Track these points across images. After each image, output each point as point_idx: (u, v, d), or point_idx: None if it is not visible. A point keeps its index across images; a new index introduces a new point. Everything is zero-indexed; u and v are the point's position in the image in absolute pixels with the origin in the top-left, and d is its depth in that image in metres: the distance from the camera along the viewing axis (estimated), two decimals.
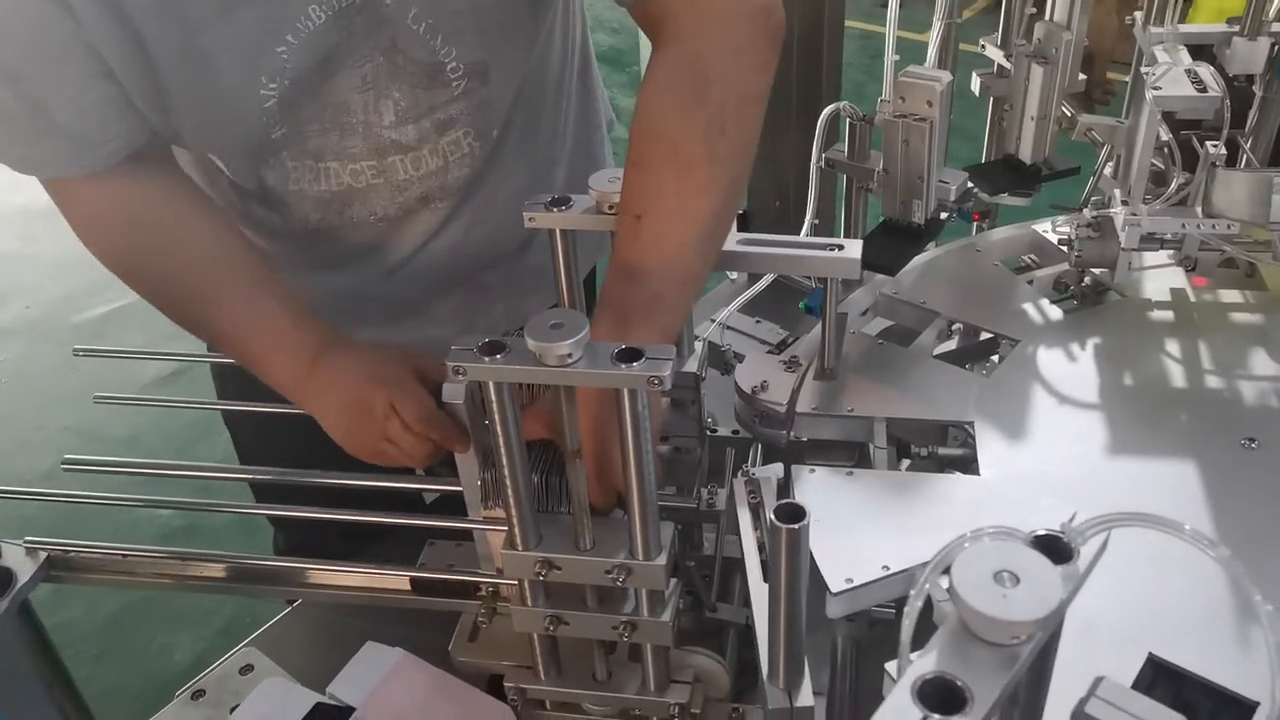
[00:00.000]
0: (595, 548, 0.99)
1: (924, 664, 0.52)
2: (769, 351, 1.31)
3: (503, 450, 0.93)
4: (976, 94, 1.35)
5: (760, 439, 1.18)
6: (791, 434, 1.15)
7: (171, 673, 2.22)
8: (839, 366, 1.18)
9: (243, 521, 2.48)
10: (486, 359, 0.87)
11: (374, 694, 1.05)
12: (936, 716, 0.50)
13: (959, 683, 0.51)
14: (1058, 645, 0.61)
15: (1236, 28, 1.23)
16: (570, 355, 0.86)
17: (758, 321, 1.39)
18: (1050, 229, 1.35)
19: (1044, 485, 1.03)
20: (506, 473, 0.94)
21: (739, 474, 1.06)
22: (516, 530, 0.98)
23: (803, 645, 0.83)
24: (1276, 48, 1.25)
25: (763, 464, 1.17)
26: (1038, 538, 0.57)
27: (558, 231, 1.08)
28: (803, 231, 1.34)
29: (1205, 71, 1.15)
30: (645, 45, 1.04)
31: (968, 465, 1.09)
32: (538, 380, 0.87)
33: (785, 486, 1.08)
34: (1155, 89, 1.13)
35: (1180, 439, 1.08)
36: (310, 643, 1.31)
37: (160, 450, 2.90)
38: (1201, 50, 1.26)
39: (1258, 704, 0.84)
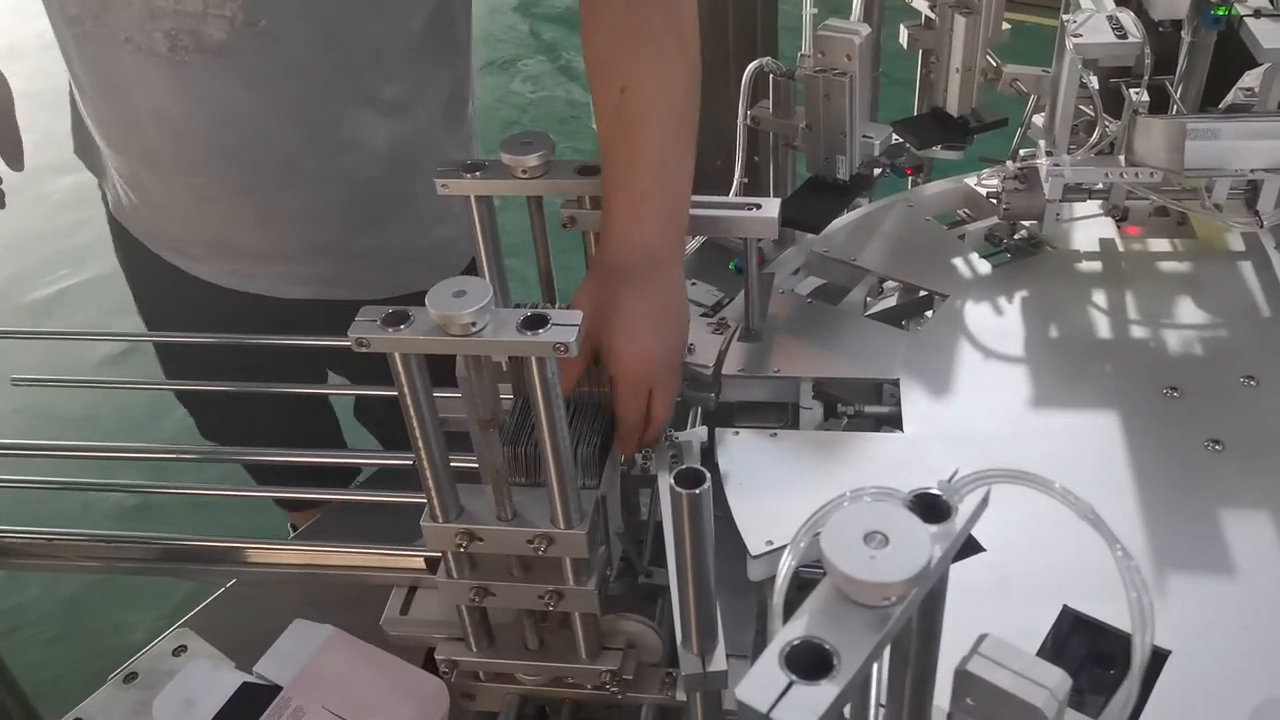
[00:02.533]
0: (516, 517, 0.98)
1: (794, 629, 0.51)
2: (703, 314, 1.30)
3: (414, 422, 0.92)
4: (904, 46, 1.33)
5: (689, 402, 1.17)
6: (719, 396, 1.14)
7: (129, 652, 2.20)
8: (766, 327, 1.17)
9: (197, 500, 2.48)
10: (390, 330, 0.86)
11: (302, 671, 1.05)
12: (801, 682, 0.49)
13: (827, 646, 0.50)
14: (944, 604, 0.60)
15: None
16: (474, 324, 0.84)
17: (693, 283, 1.38)
18: (977, 182, 1.34)
19: (967, 440, 1.03)
20: (420, 444, 0.93)
21: (663, 438, 1.05)
22: (435, 502, 0.97)
23: (714, 609, 0.82)
24: None
25: (701, 427, 1.16)
26: (916, 497, 0.57)
27: (473, 199, 1.06)
28: (731, 190, 1.32)
29: (1127, 18, 1.13)
30: None
31: (898, 422, 1.08)
32: (441, 350, 0.86)
33: (710, 450, 1.07)
34: (1075, 36, 1.11)
35: (1104, 389, 1.07)
36: (247, 622, 1.30)
37: (114, 430, 2.87)
38: None
39: (1170, 652, 0.85)
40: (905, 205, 1.35)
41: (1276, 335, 1.13)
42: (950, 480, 0.57)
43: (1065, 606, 0.87)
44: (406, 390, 0.89)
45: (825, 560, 0.52)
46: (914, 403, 1.07)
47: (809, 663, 0.50)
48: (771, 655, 0.50)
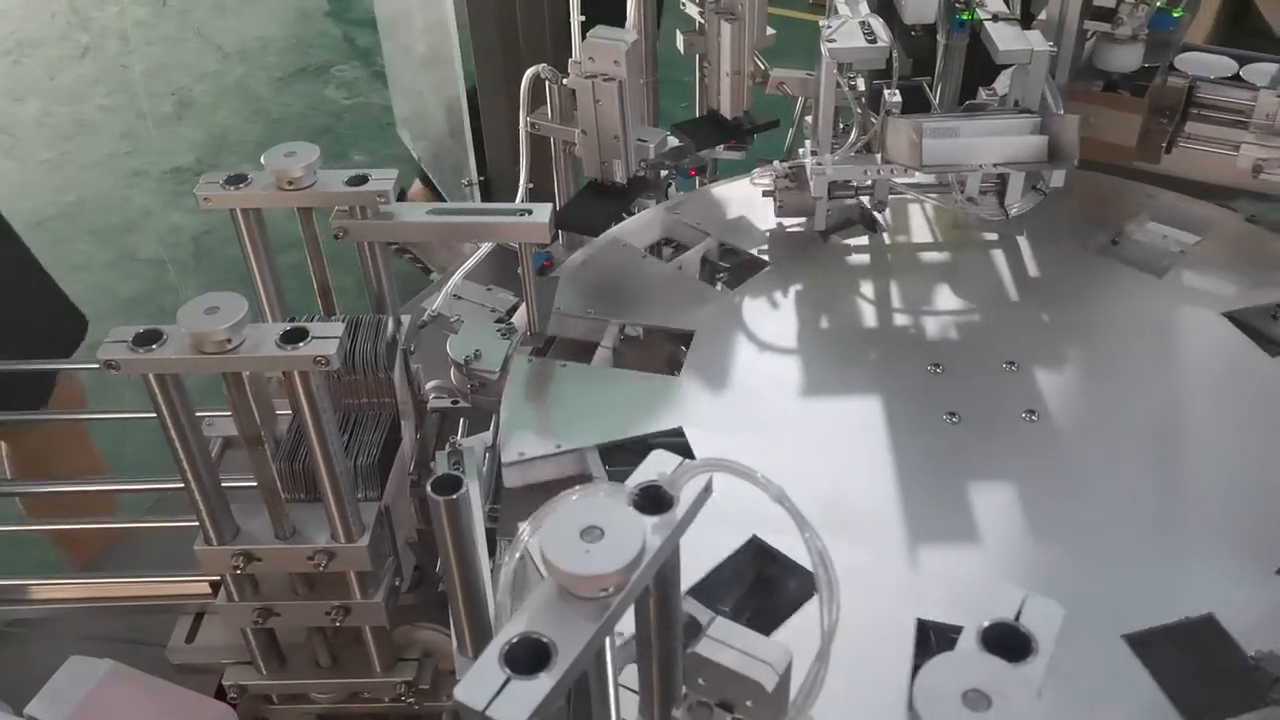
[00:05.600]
0: (295, 535, 0.97)
1: (514, 626, 0.53)
2: (498, 320, 1.30)
3: (177, 444, 0.89)
4: (682, 51, 1.37)
5: (477, 407, 1.17)
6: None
7: None
8: (555, 325, 1.19)
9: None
10: (140, 350, 0.83)
11: (78, 710, 1.00)
12: (518, 677, 0.50)
13: (545, 640, 0.52)
14: (678, 591, 0.63)
15: None
16: (230, 340, 0.83)
17: (489, 289, 1.38)
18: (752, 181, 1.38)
19: (742, 431, 1.07)
20: (186, 466, 0.90)
21: (447, 444, 1.06)
22: (208, 524, 0.94)
23: (487, 613, 0.83)
24: None
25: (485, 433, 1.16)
26: (642, 490, 0.59)
27: (238, 212, 1.04)
28: (518, 195, 1.33)
29: (877, 23, 1.20)
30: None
31: None
32: (195, 370, 0.84)
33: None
34: (830, 42, 1.17)
35: (869, 374, 1.13)
36: (24, 662, 1.23)
37: None
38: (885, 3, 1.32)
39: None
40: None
41: (1027, 319, 1.21)
42: (672, 473, 0.59)
43: (754, 536, 0.91)
44: (166, 412, 0.87)
45: (543, 557, 0.53)
46: (695, 398, 1.10)
47: (529, 658, 0.52)
48: (492, 653, 0.52)
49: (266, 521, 0.97)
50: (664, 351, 1.19)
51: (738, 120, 1.34)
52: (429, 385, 1.22)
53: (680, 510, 0.58)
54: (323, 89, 4.32)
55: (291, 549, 0.96)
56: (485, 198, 1.84)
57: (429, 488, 0.74)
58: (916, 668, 0.80)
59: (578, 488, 0.60)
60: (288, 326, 0.85)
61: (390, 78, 2.82)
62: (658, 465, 0.59)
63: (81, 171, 3.87)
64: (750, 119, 1.31)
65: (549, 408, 1.10)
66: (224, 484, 1.00)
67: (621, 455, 1.05)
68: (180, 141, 4.01)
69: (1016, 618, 0.53)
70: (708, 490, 0.61)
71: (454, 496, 0.74)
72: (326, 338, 0.84)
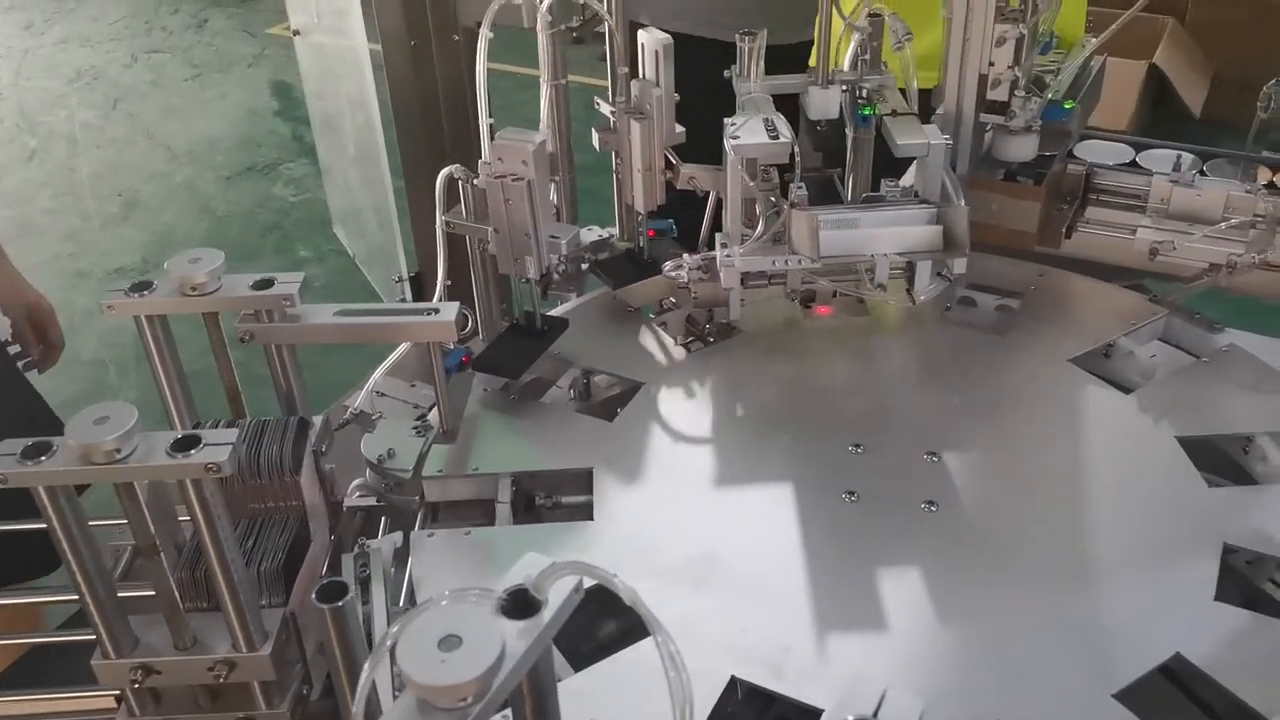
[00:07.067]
0: (196, 645, 0.95)
1: None
2: (418, 417, 1.30)
3: (70, 556, 0.88)
4: (597, 148, 1.40)
5: (394, 506, 1.16)
6: (423, 498, 1.15)
7: None
8: (466, 425, 1.19)
9: None
10: (29, 463, 0.82)
11: None
12: None
13: None
14: (555, 695, 0.62)
15: (814, 78, 1.33)
16: (119, 450, 0.82)
17: (412, 385, 1.38)
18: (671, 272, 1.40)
19: (650, 525, 1.07)
20: (79, 578, 0.89)
21: (355, 546, 1.05)
22: (104, 637, 0.92)
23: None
24: (863, 92, 1.36)
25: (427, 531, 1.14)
26: (510, 595, 0.59)
27: (143, 319, 1.04)
28: (435, 293, 1.34)
29: (780, 120, 1.23)
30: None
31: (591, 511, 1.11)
32: (84, 480, 0.83)
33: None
34: (734, 139, 1.20)
35: (779, 462, 1.14)
36: None
37: None
38: (789, 99, 1.36)
39: (822, 710, 0.89)
40: (610, 297, 1.40)
41: (939, 397, 1.23)
42: (537, 575, 0.59)
43: (734, 677, 0.90)
44: (57, 525, 0.85)
45: (399, 668, 0.53)
46: (605, 490, 1.10)
47: None
48: None
49: (165, 632, 0.95)
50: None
51: (652, 258, 1.41)
52: (354, 484, 1.21)
53: (548, 613, 0.58)
54: (270, 186, 4.36)
55: (191, 660, 0.94)
56: (416, 293, 1.86)
57: (313, 595, 0.74)
58: None
59: (446, 591, 0.59)
60: (179, 435, 0.84)
61: (326, 176, 2.86)
62: (525, 568, 0.58)
63: (24, 274, 3.86)
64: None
65: (479, 433, 1.16)
66: (135, 594, 0.98)
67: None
68: (125, 242, 4.02)
69: (875, 713, 0.53)
70: (578, 591, 0.61)
71: (339, 604, 0.73)
72: (219, 444, 0.84)
